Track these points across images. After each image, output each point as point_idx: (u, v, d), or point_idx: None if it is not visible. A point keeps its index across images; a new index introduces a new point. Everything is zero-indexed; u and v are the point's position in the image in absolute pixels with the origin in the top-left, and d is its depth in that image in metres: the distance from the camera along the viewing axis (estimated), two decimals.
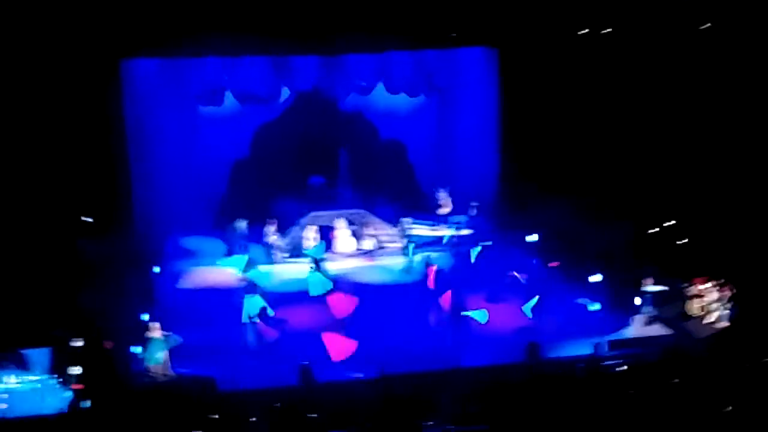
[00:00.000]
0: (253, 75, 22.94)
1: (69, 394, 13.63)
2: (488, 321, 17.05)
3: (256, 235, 20.97)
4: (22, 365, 13.95)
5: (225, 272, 20.24)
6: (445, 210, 23.24)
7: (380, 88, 23.91)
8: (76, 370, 13.77)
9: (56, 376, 13.97)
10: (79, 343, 14.27)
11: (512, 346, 15.77)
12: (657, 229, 20.07)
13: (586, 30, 20.85)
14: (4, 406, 13.35)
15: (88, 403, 13.33)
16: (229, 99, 23.45)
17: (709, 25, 19.08)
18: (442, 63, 23.79)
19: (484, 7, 20.10)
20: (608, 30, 20.88)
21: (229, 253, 21.31)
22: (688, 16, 19.08)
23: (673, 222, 20.38)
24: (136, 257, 19.29)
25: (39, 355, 14.22)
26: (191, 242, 22.47)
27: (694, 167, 20.58)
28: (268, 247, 20.92)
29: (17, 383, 13.66)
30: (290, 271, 20.34)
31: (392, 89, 24.04)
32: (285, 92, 23.71)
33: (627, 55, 20.91)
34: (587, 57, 21.20)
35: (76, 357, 14.13)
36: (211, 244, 22.23)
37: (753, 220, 18.90)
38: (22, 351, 14.08)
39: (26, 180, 18.80)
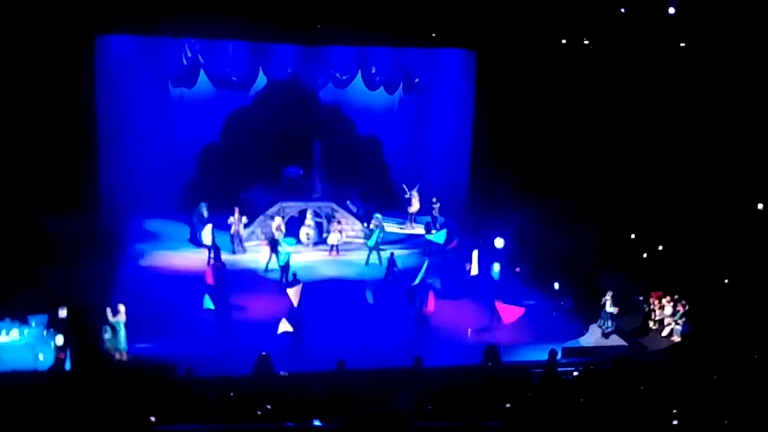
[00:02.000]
0: (229, 58, 22.78)
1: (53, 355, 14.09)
2: (449, 320, 17.21)
3: (222, 222, 20.86)
4: (23, 321, 14.56)
5: (188, 257, 20.19)
6: (414, 209, 23.40)
7: (358, 83, 23.91)
8: (60, 339, 14.23)
9: (51, 331, 14.49)
10: (64, 313, 14.69)
11: (471, 348, 15.90)
12: (621, 242, 20.43)
13: (565, 40, 21.10)
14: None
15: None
16: (204, 81, 23.24)
17: (683, 44, 19.42)
18: (421, 62, 23.89)
19: (465, 10, 20.21)
20: (587, 41, 21.15)
21: (193, 237, 21.28)
22: (664, 35, 19.39)
23: (635, 236, 20.78)
24: (99, 237, 19.02)
25: (38, 318, 14.78)
26: (156, 225, 22.32)
27: (661, 184, 20.95)
28: (233, 235, 20.86)
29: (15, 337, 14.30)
30: (253, 259, 20.38)
31: (371, 84, 24.06)
32: (261, 78, 23.59)
33: (604, 67, 21.19)
34: (565, 65, 21.45)
35: (62, 326, 14.60)
36: (176, 228, 22.13)
37: (713, 240, 19.30)
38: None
39: None
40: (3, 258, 16.18)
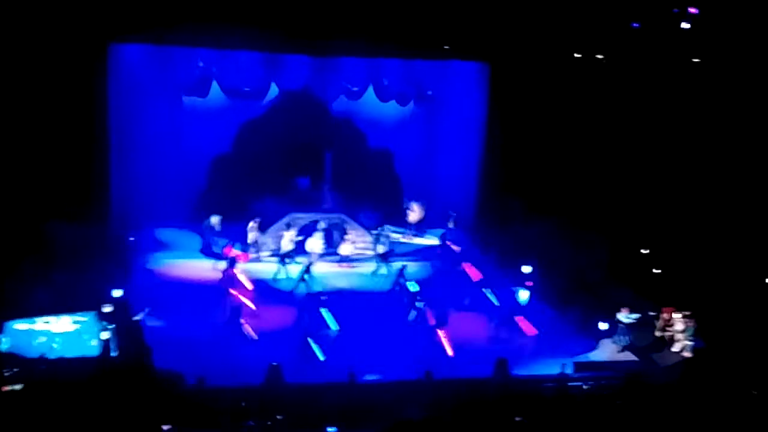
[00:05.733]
0: (242, 69, 22.75)
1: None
2: (459, 333, 17.20)
3: (233, 233, 20.86)
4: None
5: (199, 267, 20.22)
6: (413, 218, 23.38)
7: (370, 95, 23.93)
8: (106, 335, 14.48)
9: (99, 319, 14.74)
10: (109, 309, 14.93)
11: (481, 361, 15.86)
12: (633, 256, 20.37)
13: (579, 54, 21.15)
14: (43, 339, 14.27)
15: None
16: (216, 91, 23.27)
17: (698, 60, 19.46)
18: (433, 74, 23.85)
19: (478, 23, 20.28)
20: (600, 56, 21.19)
21: (204, 248, 21.31)
22: (677, 49, 19.45)
23: (648, 251, 20.71)
24: (110, 246, 19.07)
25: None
26: (167, 234, 22.33)
27: (675, 199, 20.93)
28: (251, 244, 20.87)
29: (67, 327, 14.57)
30: (265, 270, 20.36)
31: (382, 96, 24.11)
32: (273, 89, 23.65)
33: (617, 81, 21.22)
34: (578, 78, 21.47)
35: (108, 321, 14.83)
36: (187, 238, 22.11)
37: (726, 256, 19.25)
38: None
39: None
40: (13, 264, 16.26)
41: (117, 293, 16.20)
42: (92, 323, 14.62)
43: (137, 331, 14.47)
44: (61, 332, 14.41)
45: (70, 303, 14.84)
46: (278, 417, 12.18)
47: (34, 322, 14.32)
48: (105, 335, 14.40)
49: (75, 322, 14.57)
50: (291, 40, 20.71)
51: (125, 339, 14.20)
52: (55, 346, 14.20)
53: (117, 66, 21.17)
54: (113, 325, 14.60)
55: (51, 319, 14.40)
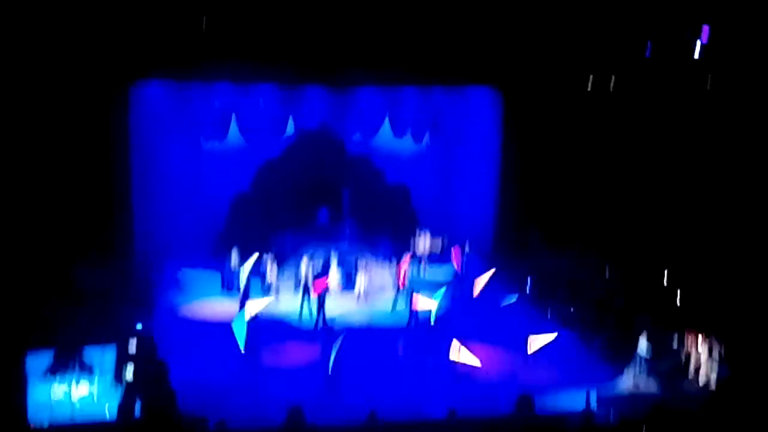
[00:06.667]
0: (260, 108, 23.14)
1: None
2: (480, 368, 17.07)
3: (252, 270, 20.99)
4: (85, 369, 14.50)
5: (220, 306, 20.33)
6: (421, 250, 23.35)
7: (386, 129, 24.14)
8: (129, 372, 14.29)
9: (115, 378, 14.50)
10: (133, 346, 14.79)
11: (503, 396, 15.73)
12: (654, 283, 20.19)
13: (592, 80, 21.17)
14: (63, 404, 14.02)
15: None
16: (235, 131, 23.61)
17: (709, 86, 19.39)
18: (448, 107, 24.04)
19: (491, 51, 20.41)
20: (613, 82, 21.19)
21: (225, 285, 21.44)
22: (692, 75, 19.38)
23: (671, 276, 20.52)
24: (132, 286, 19.26)
25: (101, 356, 14.67)
26: (189, 274, 22.48)
27: (694, 223, 20.75)
28: (265, 281, 21.01)
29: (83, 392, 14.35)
30: (284, 307, 20.40)
31: (397, 132, 24.29)
32: (291, 128, 23.89)
33: (632, 107, 21.16)
34: (592, 106, 21.47)
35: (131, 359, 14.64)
36: (208, 277, 22.22)
37: (748, 280, 19.01)
38: (85, 353, 14.55)
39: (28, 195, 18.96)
40: (36, 303, 16.46)
41: (139, 328, 16.29)
42: (110, 387, 14.49)
43: (161, 375, 14.45)
44: (80, 397, 14.31)
45: (92, 342, 14.90)
46: None
47: (51, 389, 14.23)
48: (128, 374, 14.36)
49: (93, 385, 14.49)
50: (306, 72, 20.93)
51: (148, 383, 14.16)
52: (75, 407, 14.14)
53: (138, 106, 21.63)
54: (134, 368, 14.56)
55: (69, 387, 14.30)
